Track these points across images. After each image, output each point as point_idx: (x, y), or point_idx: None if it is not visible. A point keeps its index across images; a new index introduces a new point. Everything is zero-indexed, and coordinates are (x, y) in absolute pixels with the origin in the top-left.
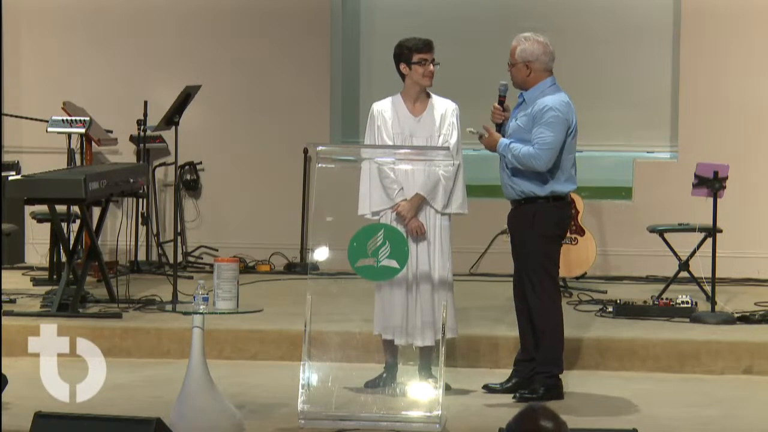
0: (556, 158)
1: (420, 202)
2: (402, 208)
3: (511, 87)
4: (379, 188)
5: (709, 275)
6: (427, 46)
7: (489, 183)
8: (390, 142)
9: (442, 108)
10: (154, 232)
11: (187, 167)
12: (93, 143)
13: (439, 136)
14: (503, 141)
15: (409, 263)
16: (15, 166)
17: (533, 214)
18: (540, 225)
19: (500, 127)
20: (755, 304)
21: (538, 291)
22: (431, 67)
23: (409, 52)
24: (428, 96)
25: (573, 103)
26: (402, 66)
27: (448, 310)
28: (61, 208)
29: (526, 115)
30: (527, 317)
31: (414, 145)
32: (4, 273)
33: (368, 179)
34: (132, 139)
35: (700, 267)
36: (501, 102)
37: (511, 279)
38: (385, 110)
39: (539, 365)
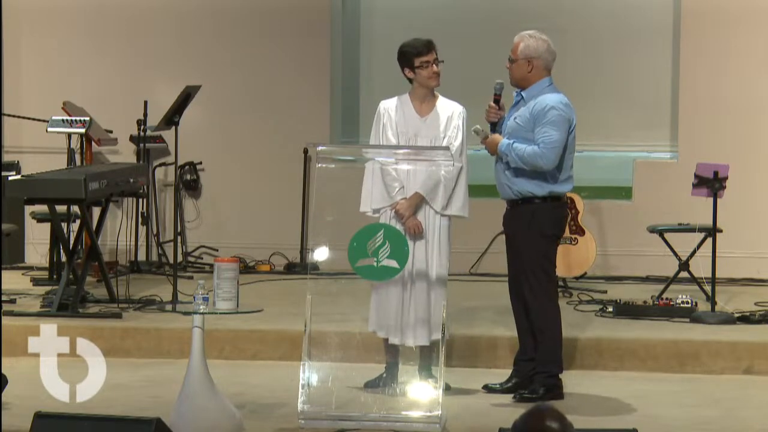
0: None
1: (419, 201)
2: (400, 206)
3: (507, 85)
4: (381, 186)
5: (709, 275)
6: (427, 48)
7: (489, 183)
8: (394, 141)
9: (449, 110)
10: (154, 232)
11: (187, 167)
12: (93, 143)
13: (444, 138)
14: (505, 141)
15: None
16: (15, 166)
17: (531, 214)
18: (538, 225)
19: (495, 126)
20: (755, 304)
21: (536, 291)
22: (435, 67)
23: (411, 57)
24: (435, 97)
25: (573, 103)
26: (407, 71)
27: (441, 311)
28: (61, 208)
29: (526, 114)
30: (525, 317)
31: (415, 146)
32: (4, 273)
33: (371, 177)
34: (132, 139)
35: (700, 267)
36: (496, 100)
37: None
38: (392, 109)
39: (539, 365)
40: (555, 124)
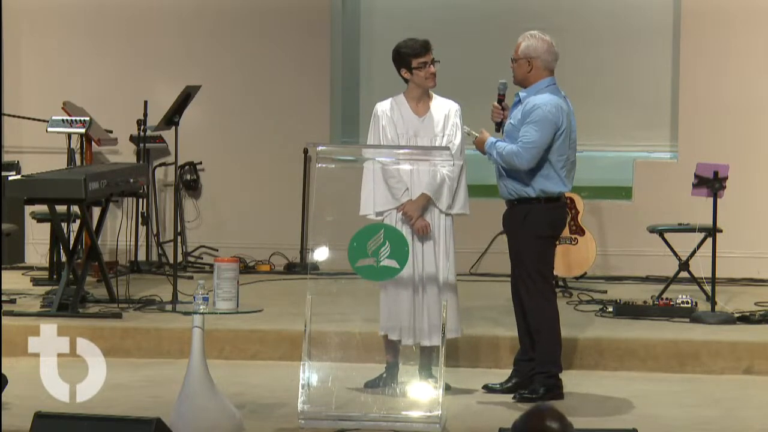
0: (544, 158)
1: (426, 202)
2: (408, 208)
3: (511, 85)
4: (384, 188)
5: (709, 275)
6: (424, 49)
7: (489, 183)
8: (395, 142)
9: (446, 108)
10: (154, 232)
11: (187, 167)
12: (93, 143)
13: (443, 136)
14: (490, 139)
15: (415, 264)
16: (15, 166)
17: (525, 215)
18: (532, 225)
19: (499, 126)
20: (755, 304)
21: (532, 291)
22: (432, 68)
23: (408, 58)
24: (430, 96)
25: (573, 103)
26: (403, 71)
27: (452, 310)
28: (61, 208)
29: (519, 114)
30: (524, 317)
31: (415, 145)
32: (4, 273)
33: (371, 180)
34: (132, 139)
35: (700, 267)
36: (500, 101)
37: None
38: (389, 110)
39: (538, 365)
40: (537, 124)
